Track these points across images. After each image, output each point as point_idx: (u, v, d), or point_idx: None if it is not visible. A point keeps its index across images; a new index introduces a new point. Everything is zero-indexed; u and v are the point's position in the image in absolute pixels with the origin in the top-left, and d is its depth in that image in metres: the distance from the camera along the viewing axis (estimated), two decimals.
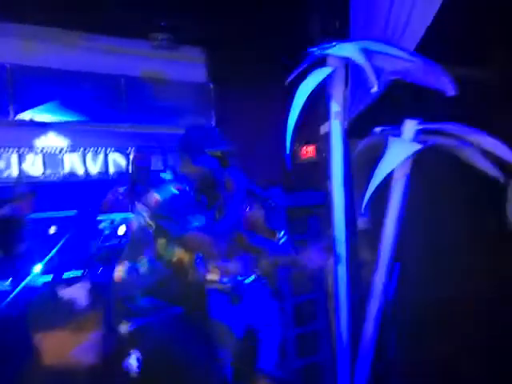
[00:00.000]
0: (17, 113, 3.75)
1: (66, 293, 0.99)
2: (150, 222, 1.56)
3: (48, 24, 3.75)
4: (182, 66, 4.52)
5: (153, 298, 1.57)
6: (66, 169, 3.98)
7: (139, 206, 1.58)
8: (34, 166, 3.86)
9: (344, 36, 2.50)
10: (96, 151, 4.14)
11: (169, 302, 1.60)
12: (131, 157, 3.44)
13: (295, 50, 2.55)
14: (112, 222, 2.46)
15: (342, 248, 2.33)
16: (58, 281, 2.29)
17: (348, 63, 2.23)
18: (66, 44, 3.91)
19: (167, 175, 1.66)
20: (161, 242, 1.56)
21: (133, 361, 1.44)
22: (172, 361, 1.52)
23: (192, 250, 1.57)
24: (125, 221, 2.49)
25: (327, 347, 2.79)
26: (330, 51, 2.05)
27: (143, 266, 1.55)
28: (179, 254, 1.57)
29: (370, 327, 2.20)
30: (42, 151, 3.89)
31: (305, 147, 3.94)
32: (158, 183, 1.63)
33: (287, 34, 3.82)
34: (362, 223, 2.94)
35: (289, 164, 2.27)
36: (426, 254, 2.47)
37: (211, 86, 4.70)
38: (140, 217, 1.58)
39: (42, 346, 1.04)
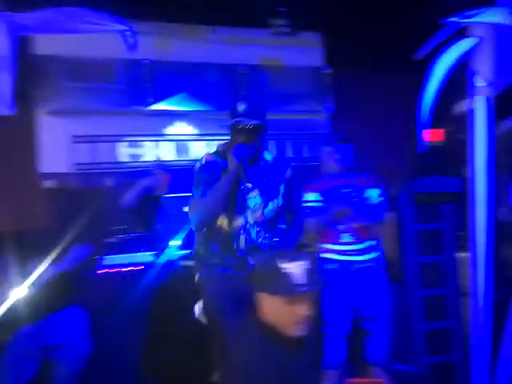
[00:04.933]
0: (152, 104, 4.12)
1: (287, 266, 1.11)
2: None
3: (178, 21, 4.04)
4: (300, 52, 4.51)
5: None
6: (194, 155, 4.28)
7: None
8: (166, 152, 4.22)
9: (486, 4, 2.23)
10: (221, 139, 4.36)
11: None
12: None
13: (424, 24, 2.34)
14: None
15: (481, 240, 2.12)
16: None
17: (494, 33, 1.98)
18: (194, 38, 4.18)
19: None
20: None
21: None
22: None
23: None
24: None
25: (460, 346, 2.58)
26: (476, 19, 1.84)
27: None
28: None
29: None
30: (173, 139, 4.23)
31: (431, 131, 3.65)
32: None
33: (414, 8, 3.55)
34: (503, 213, 2.63)
35: (422, 146, 2.13)
36: None
37: (330, 70, 4.60)
38: None
39: (259, 304, 1.20)
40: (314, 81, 4.61)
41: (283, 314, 1.12)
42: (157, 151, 4.19)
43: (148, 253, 2.64)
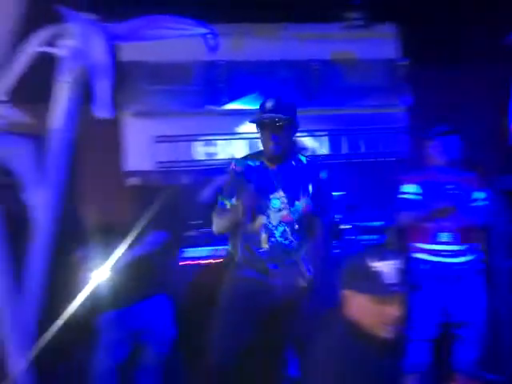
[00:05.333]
0: (227, 103, 4.23)
1: (377, 265, 1.12)
2: None
3: (251, 20, 4.11)
4: (374, 44, 4.38)
5: None
6: None
7: None
8: (240, 151, 4.33)
9: None
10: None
11: None
12: None
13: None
14: None
15: None
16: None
17: None
18: (267, 36, 4.23)
19: None
20: None
21: None
22: None
23: None
24: None
25: None
26: None
27: None
28: None
29: None
30: (247, 137, 4.32)
31: None
32: None
33: None
34: None
35: None
36: None
37: (406, 62, 4.40)
38: None
39: (347, 302, 1.21)
40: (390, 73, 4.45)
41: (371, 313, 1.11)
42: (231, 149, 4.31)
43: (221, 247, 2.79)
